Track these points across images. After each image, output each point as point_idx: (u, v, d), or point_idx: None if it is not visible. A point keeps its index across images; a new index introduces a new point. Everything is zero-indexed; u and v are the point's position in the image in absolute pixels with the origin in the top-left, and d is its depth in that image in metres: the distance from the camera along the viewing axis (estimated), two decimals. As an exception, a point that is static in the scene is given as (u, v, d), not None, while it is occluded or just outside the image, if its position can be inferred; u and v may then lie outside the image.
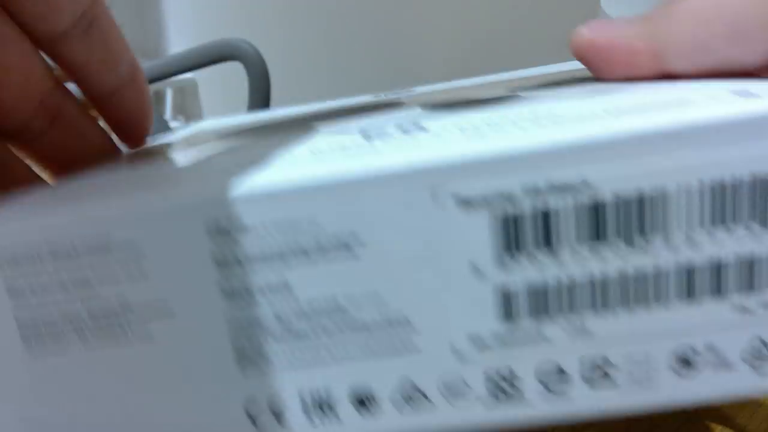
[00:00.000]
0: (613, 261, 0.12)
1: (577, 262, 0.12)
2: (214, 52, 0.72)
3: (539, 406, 0.13)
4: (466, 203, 0.12)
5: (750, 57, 0.15)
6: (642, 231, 0.12)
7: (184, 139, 0.23)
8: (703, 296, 0.13)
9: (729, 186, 0.12)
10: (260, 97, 0.70)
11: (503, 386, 0.13)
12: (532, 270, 0.12)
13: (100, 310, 0.13)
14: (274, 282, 0.12)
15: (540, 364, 0.13)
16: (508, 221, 0.12)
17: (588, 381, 0.13)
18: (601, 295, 0.12)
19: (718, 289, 0.13)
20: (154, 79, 0.73)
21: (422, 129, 0.14)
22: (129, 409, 0.13)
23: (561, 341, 0.13)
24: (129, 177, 0.15)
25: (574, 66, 0.26)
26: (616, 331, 0.13)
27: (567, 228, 0.12)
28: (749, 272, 0.12)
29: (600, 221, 0.12)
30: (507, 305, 0.13)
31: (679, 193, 0.12)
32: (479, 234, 0.12)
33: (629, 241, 0.12)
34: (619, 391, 0.13)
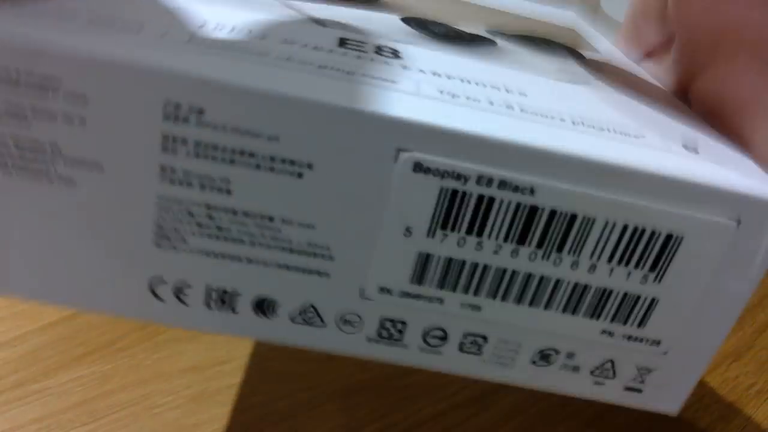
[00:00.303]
0: (525, 264, 0.13)
1: (496, 254, 0.13)
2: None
3: (413, 355, 0.14)
4: (422, 168, 0.12)
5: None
6: (560, 247, 0.13)
7: None
8: (583, 314, 0.14)
9: (646, 235, 0.13)
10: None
11: (391, 331, 0.14)
12: (455, 248, 0.13)
13: (30, 145, 0.12)
14: (215, 176, 0.12)
15: (429, 324, 0.14)
16: (454, 198, 0.12)
17: (461, 347, 0.14)
18: (504, 287, 0.14)
19: (597, 312, 0.14)
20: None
21: (402, 68, 0.14)
22: (37, 247, 0.13)
23: (454, 313, 0.14)
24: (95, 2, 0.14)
25: (553, 14, 0.26)
26: (502, 319, 0.14)
27: (501, 224, 0.13)
28: (629, 308, 0.14)
29: (530, 228, 0.13)
30: (422, 270, 0.13)
31: (605, 227, 0.13)
32: (424, 202, 0.12)
33: (546, 253, 0.13)
34: (481, 361, 0.15)
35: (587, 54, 0.20)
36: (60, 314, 0.27)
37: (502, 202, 0.12)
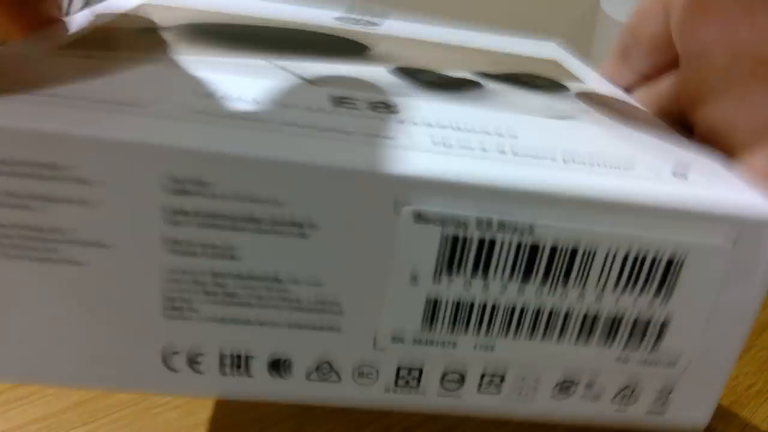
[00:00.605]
0: (533, 299, 0.13)
1: (503, 293, 0.13)
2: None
3: (432, 399, 0.15)
4: (423, 218, 0.13)
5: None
6: (565, 280, 0.13)
7: (146, 14, 0.21)
8: (596, 343, 0.14)
9: (648, 261, 0.13)
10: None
11: (408, 379, 0.14)
12: (462, 291, 0.13)
13: (32, 231, 0.12)
14: (219, 243, 0.12)
15: (446, 367, 0.14)
16: (456, 244, 0.13)
17: (479, 388, 0.15)
18: (515, 324, 0.14)
19: (610, 340, 0.14)
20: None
21: (396, 122, 0.14)
22: (44, 328, 0.13)
23: (469, 353, 0.14)
24: (87, 76, 0.14)
25: (535, 47, 0.26)
26: (517, 356, 0.14)
27: (504, 263, 0.13)
28: (641, 333, 0.14)
29: (534, 264, 0.13)
30: (433, 313, 0.13)
31: (606, 257, 0.13)
32: (427, 248, 0.13)
33: (552, 286, 0.13)
34: (502, 399, 0.15)
35: (572, 86, 0.20)
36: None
37: (503, 242, 0.13)
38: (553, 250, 0.13)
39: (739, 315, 0.14)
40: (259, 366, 0.14)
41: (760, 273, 0.14)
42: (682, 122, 0.18)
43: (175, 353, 0.13)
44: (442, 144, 0.13)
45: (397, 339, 0.14)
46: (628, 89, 0.21)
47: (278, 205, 0.12)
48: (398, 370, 0.14)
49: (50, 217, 0.12)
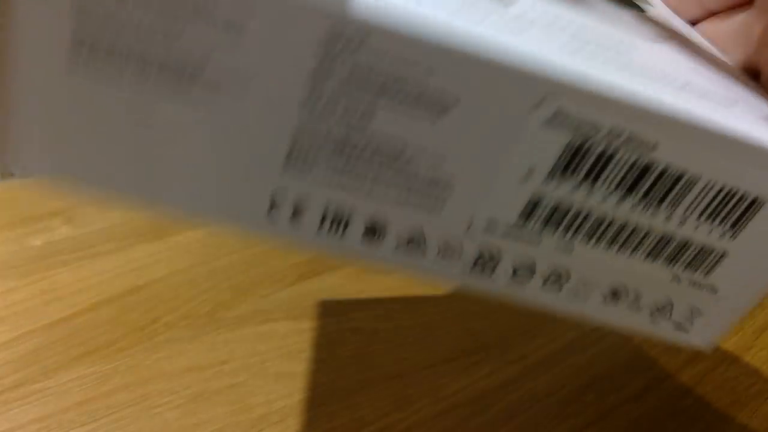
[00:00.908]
0: (625, 214, 0.14)
1: (600, 204, 0.14)
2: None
3: (499, 287, 0.15)
4: (557, 121, 0.13)
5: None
6: (660, 201, 0.14)
7: None
8: (662, 261, 0.15)
9: (737, 197, 0.14)
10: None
11: (485, 266, 0.15)
12: (567, 194, 0.14)
13: (178, 53, 0.12)
14: (361, 107, 0.13)
15: (522, 260, 0.15)
16: (578, 150, 0.13)
17: (544, 283, 0.16)
18: (600, 233, 0.15)
19: (674, 260, 0.15)
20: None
21: (545, 24, 0.15)
22: (157, 153, 0.14)
23: (548, 253, 0.15)
24: None
25: None
26: (589, 262, 0.15)
27: (614, 177, 0.14)
28: (701, 259, 0.15)
29: (639, 182, 0.14)
30: (530, 211, 0.14)
31: (705, 187, 0.14)
32: (550, 150, 0.13)
33: (646, 206, 0.14)
34: (558, 296, 0.16)
35: (647, 8, 0.20)
36: (60, 314, 0.27)
37: (621, 157, 0.13)
38: (663, 172, 0.14)
39: None
40: (354, 230, 0.14)
41: None
42: (745, 66, 0.18)
43: (283, 202, 0.14)
44: (588, 54, 0.14)
45: (490, 228, 0.14)
46: (692, 23, 0.21)
47: (428, 76, 0.12)
48: (479, 255, 0.15)
49: (200, 41, 0.12)
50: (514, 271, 0.15)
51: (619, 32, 0.16)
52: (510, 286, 0.16)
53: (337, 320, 0.27)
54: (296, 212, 0.14)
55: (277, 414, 0.22)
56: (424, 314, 0.28)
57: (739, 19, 0.19)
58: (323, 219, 0.14)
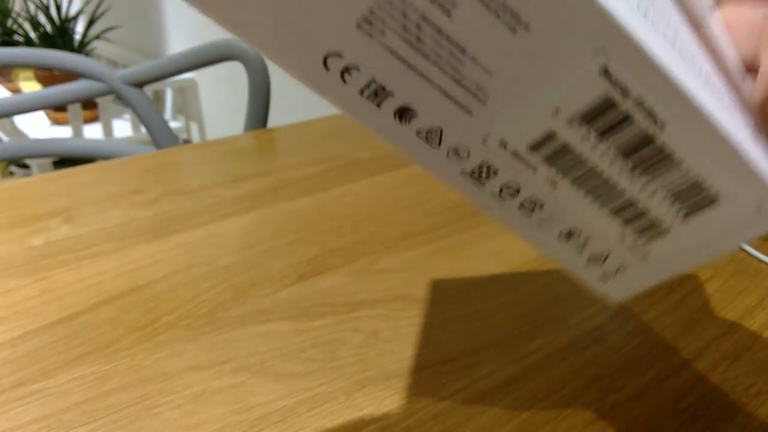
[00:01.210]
0: (614, 172, 0.16)
1: (600, 156, 0.15)
2: (214, 52, 0.72)
3: (485, 198, 0.17)
4: (607, 74, 0.14)
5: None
6: (644, 171, 0.15)
7: None
8: (621, 220, 0.17)
9: (703, 189, 0.15)
10: (260, 97, 0.70)
11: (482, 175, 0.17)
12: (578, 139, 0.15)
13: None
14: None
15: (513, 181, 0.16)
16: (609, 106, 0.14)
17: (521, 206, 0.17)
18: (587, 180, 0.16)
19: (629, 222, 0.17)
20: (154, 79, 0.73)
21: None
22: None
23: (538, 181, 0.16)
24: None
25: None
26: (566, 198, 0.17)
27: (623, 138, 0.15)
28: (650, 229, 0.17)
29: (638, 151, 0.15)
30: (540, 144, 0.16)
31: (684, 172, 0.15)
32: (587, 97, 0.14)
33: (633, 171, 0.15)
34: (525, 221, 0.17)
35: None
36: (60, 314, 0.27)
37: (637, 124, 0.14)
38: (659, 149, 0.15)
39: (705, 254, 0.17)
40: (390, 105, 0.15)
41: (748, 237, 0.16)
42: (747, 61, 0.18)
43: (339, 58, 0.15)
44: (652, 21, 0.14)
45: (503, 145, 0.16)
46: (717, 3, 0.21)
47: None
48: (480, 166, 0.16)
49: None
50: (501, 189, 0.17)
51: (669, 3, 0.17)
52: (494, 200, 0.17)
53: (337, 320, 0.27)
54: (346, 71, 0.15)
55: (277, 414, 0.22)
56: (424, 314, 0.28)
57: (759, 13, 0.19)
58: (368, 85, 0.15)
